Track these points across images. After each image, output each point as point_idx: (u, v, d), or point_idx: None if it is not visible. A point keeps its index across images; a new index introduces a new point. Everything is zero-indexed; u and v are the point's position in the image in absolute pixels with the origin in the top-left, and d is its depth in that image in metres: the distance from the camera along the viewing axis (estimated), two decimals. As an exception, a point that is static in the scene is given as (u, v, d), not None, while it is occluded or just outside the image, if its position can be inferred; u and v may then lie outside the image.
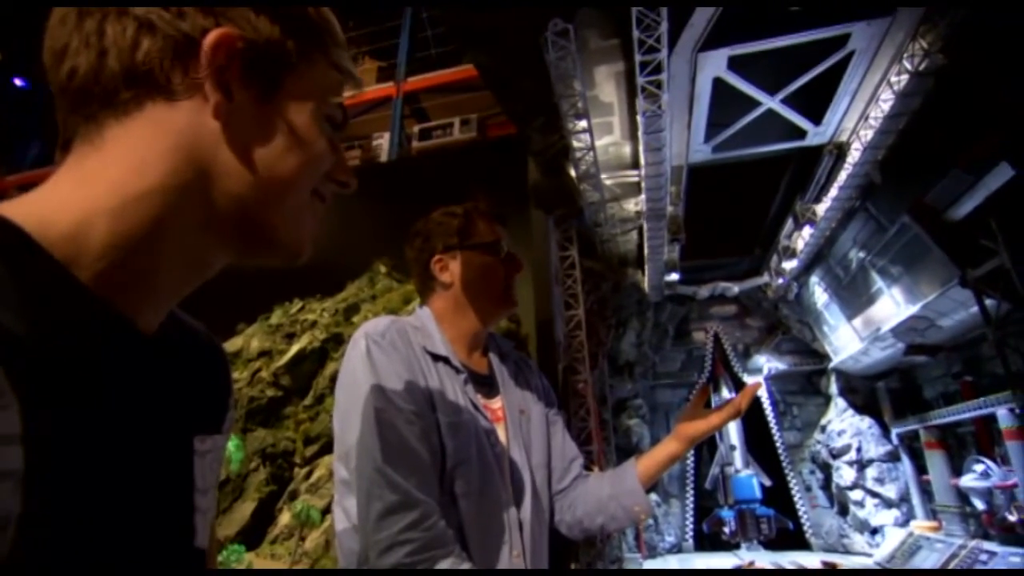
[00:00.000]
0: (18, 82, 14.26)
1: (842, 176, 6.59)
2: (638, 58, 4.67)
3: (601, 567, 7.58)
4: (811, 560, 8.76)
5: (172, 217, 0.47)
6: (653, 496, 9.57)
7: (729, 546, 9.82)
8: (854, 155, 6.24)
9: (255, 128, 0.50)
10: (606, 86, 5.89)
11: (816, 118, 5.93)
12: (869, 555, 8.99)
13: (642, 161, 6.27)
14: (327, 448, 8.47)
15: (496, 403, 1.25)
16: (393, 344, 1.12)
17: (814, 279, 9.03)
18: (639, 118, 5.48)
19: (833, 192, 6.87)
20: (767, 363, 10.77)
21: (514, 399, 1.28)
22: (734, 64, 5.14)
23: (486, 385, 1.27)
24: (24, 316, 0.37)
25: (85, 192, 0.45)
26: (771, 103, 5.62)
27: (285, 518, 8.43)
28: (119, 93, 0.46)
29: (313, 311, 9.89)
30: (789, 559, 8.79)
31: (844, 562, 8.66)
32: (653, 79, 4.92)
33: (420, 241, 1.33)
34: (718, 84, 5.39)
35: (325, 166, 0.55)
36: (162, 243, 0.47)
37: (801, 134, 6.18)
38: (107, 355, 0.44)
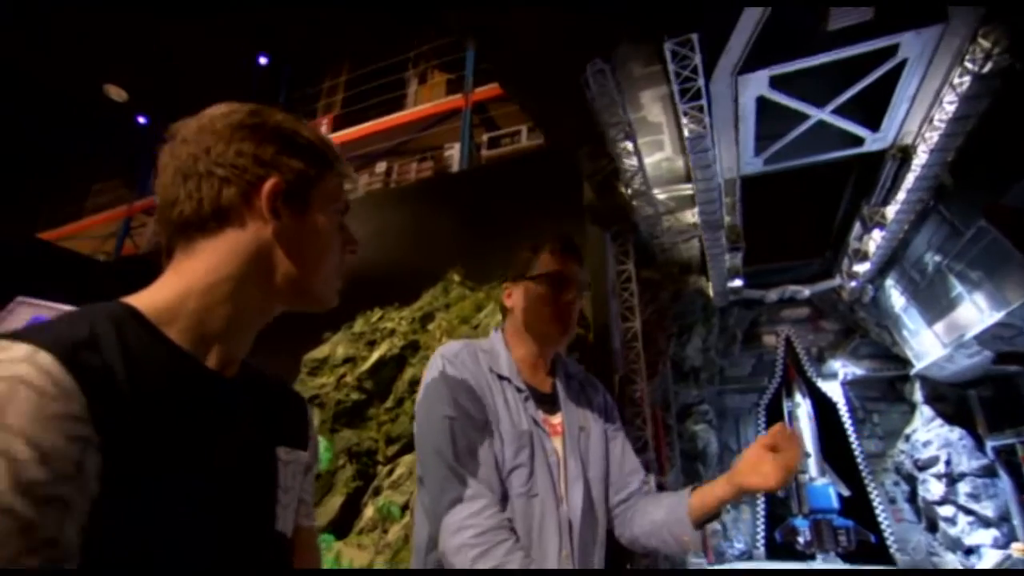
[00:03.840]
0: (141, 119, 16.27)
1: (910, 179, 6.31)
2: (675, 87, 4.85)
3: (668, 567, 7.67)
4: None
5: (240, 293, 0.68)
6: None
7: (804, 556, 9.54)
8: (921, 157, 5.98)
9: (296, 232, 0.72)
10: (653, 108, 6.06)
11: (873, 125, 5.78)
12: None
13: (693, 176, 6.38)
14: (407, 448, 8.98)
15: (556, 419, 1.37)
16: (464, 364, 1.31)
17: (889, 282, 8.58)
18: (685, 137, 5.62)
19: (901, 195, 6.59)
20: (843, 368, 10.30)
21: (574, 416, 1.39)
22: (776, 83, 5.17)
23: (548, 403, 1.39)
24: (121, 360, 0.54)
25: (181, 281, 0.67)
26: (821, 115, 5.56)
27: (370, 511, 9.08)
28: (209, 223, 0.68)
29: (392, 319, 10.38)
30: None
31: None
32: (694, 104, 5.08)
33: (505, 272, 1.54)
34: (762, 101, 5.42)
35: (341, 245, 0.79)
36: (234, 308, 0.68)
37: (858, 141, 6.03)
38: (184, 387, 0.61)
